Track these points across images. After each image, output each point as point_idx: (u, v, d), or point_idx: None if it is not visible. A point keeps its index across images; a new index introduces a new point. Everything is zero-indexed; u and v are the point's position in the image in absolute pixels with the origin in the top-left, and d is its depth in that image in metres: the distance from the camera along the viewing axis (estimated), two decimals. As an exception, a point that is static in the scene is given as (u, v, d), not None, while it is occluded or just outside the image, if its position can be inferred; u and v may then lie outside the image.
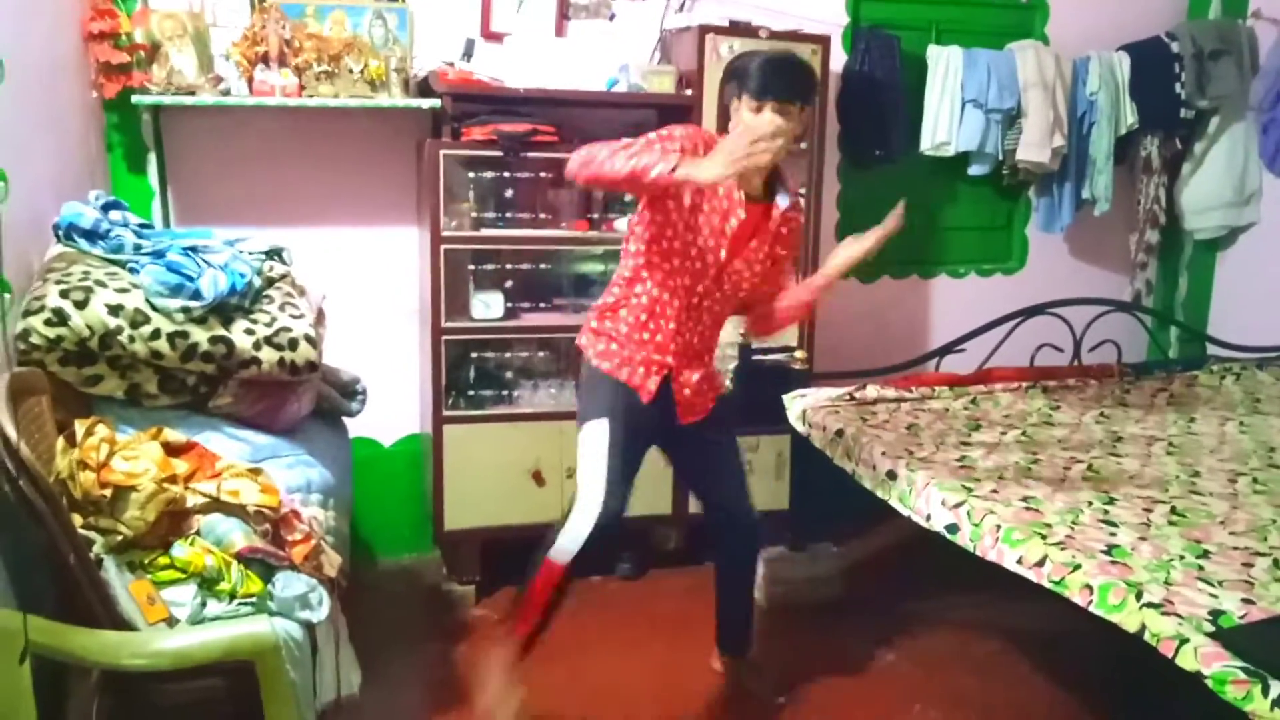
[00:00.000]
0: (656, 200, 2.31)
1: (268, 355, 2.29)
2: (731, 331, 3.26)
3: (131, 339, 2.14)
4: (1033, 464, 2.73)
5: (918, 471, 2.62)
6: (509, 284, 3.26)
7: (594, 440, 2.38)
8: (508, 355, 3.34)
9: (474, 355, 3.30)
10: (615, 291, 2.46)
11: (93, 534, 1.80)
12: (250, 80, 2.94)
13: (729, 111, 2.38)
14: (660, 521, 3.44)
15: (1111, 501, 2.44)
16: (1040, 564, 2.14)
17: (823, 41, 3.36)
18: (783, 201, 2.39)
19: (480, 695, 2.50)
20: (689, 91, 3.23)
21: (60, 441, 1.91)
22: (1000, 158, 3.86)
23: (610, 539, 2.39)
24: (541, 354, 3.38)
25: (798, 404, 3.23)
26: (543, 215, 3.24)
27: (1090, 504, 2.41)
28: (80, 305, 2.10)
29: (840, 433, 2.97)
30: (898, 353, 3.67)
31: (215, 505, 1.95)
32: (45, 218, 2.37)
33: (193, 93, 2.90)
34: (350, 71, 3.00)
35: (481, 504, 3.23)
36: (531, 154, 3.10)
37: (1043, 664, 2.98)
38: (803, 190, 3.45)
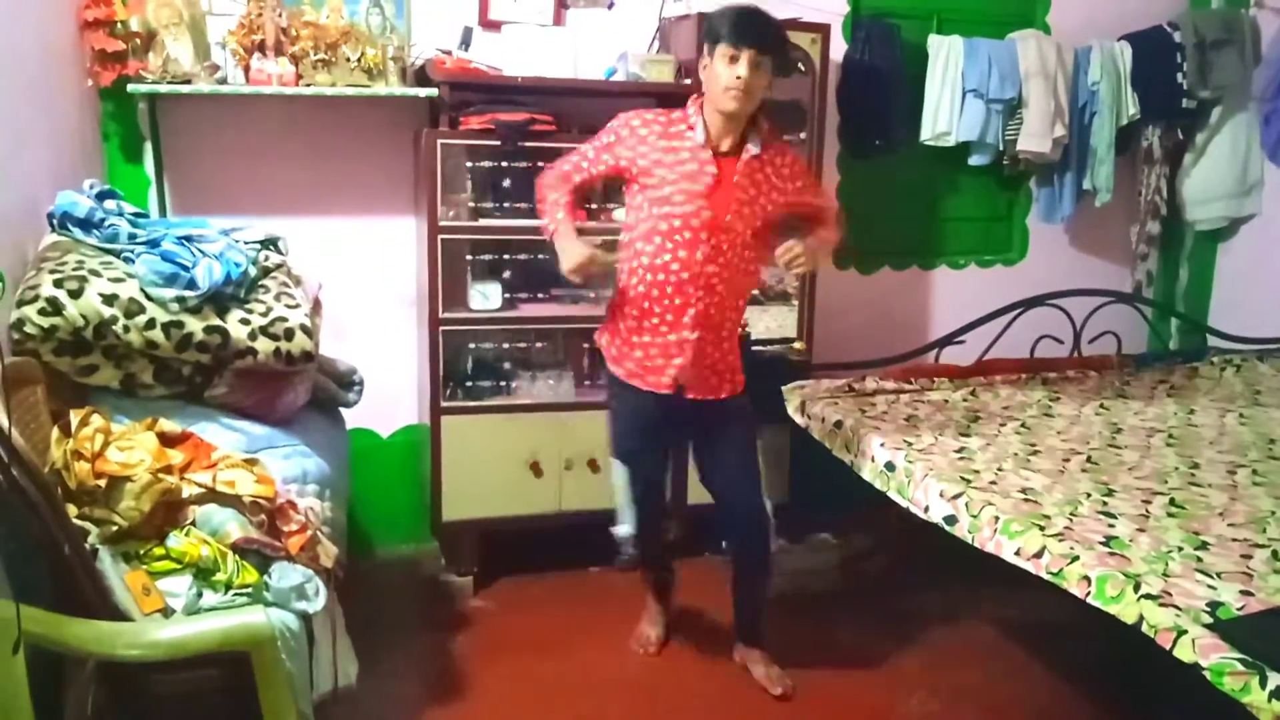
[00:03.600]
0: (627, 186, 2.47)
1: (263, 345, 2.28)
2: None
3: (126, 329, 2.13)
4: (1032, 455, 2.73)
5: (916, 463, 2.62)
6: (507, 274, 3.24)
7: (617, 475, 2.74)
8: (506, 346, 3.33)
9: (472, 346, 3.29)
10: (619, 282, 2.50)
11: (88, 524, 1.79)
12: (246, 69, 2.93)
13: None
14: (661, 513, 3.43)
15: (1110, 493, 2.44)
16: (1039, 555, 2.14)
17: (823, 30, 3.35)
18: (752, 148, 2.39)
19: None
20: (688, 80, 3.21)
21: (55, 432, 1.90)
22: (1001, 148, 3.85)
23: (660, 532, 2.86)
24: (540, 345, 3.37)
25: (797, 395, 3.22)
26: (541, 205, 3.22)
27: (1089, 495, 2.41)
28: (75, 295, 2.09)
29: (839, 424, 2.97)
30: (897, 344, 3.66)
31: (211, 496, 1.94)
32: (40, 206, 2.36)
33: (188, 81, 2.88)
34: (347, 60, 2.98)
35: (479, 495, 3.22)
36: (529, 143, 3.08)
37: (1041, 655, 2.98)
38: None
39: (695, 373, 2.50)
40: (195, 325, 2.20)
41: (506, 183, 3.18)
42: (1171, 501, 2.39)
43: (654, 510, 2.80)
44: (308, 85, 2.95)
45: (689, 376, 2.51)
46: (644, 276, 2.43)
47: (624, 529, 2.76)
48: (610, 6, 3.47)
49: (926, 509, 2.51)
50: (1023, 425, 3.02)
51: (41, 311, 2.06)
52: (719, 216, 2.37)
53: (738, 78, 2.26)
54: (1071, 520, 2.25)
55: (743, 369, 2.64)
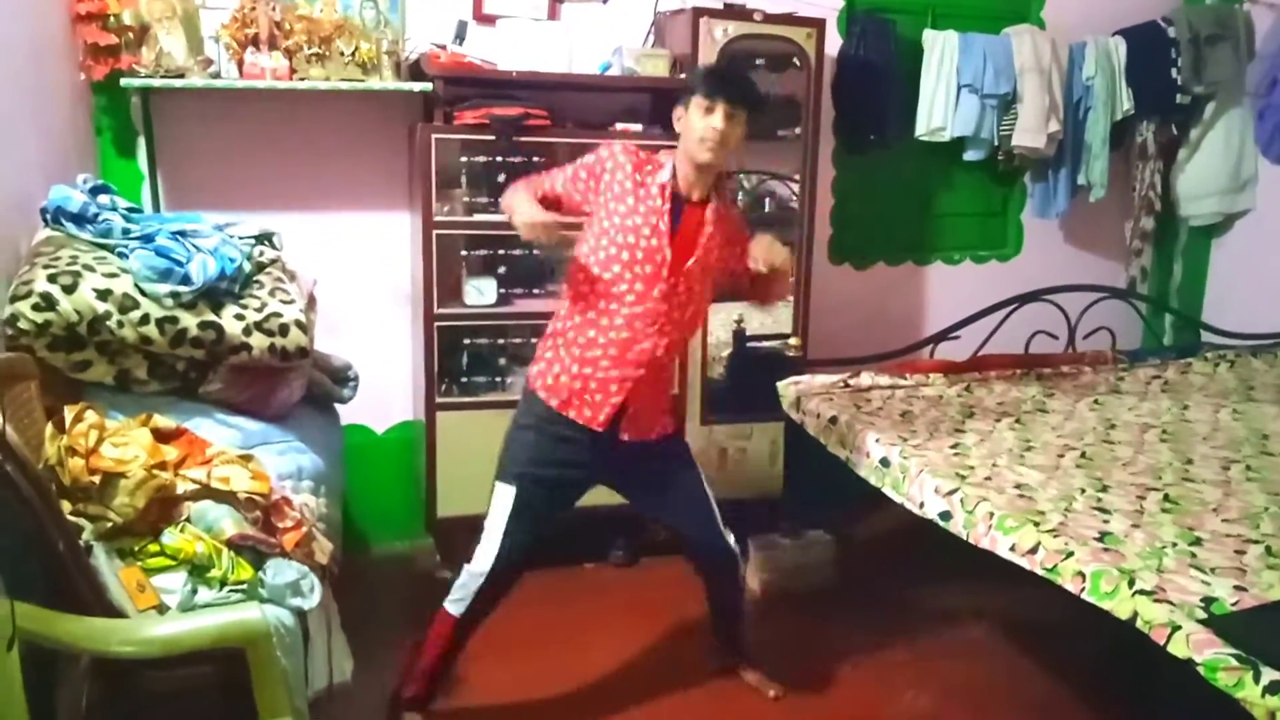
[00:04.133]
0: (598, 205, 2.36)
1: (258, 341, 2.27)
2: (726, 321, 3.27)
3: (120, 324, 2.13)
4: (1026, 451, 2.73)
5: (911, 459, 2.62)
6: (502, 270, 3.24)
7: (498, 505, 2.46)
8: (500, 341, 3.32)
9: (467, 341, 3.28)
10: (562, 312, 2.44)
11: (82, 521, 1.79)
12: (240, 63, 2.92)
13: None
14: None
15: (1105, 489, 2.44)
16: (1033, 551, 2.14)
17: (818, 25, 3.34)
18: (713, 204, 2.37)
19: None
20: (683, 75, 3.21)
21: (49, 428, 1.89)
22: (996, 143, 3.85)
23: (505, 590, 2.50)
24: (534, 340, 3.34)
25: (792, 391, 3.22)
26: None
27: (1083, 491, 2.42)
28: (68, 290, 2.08)
29: (834, 420, 2.97)
30: (892, 340, 3.66)
31: (205, 492, 1.93)
32: (33, 201, 2.35)
33: (182, 75, 2.87)
34: (341, 54, 2.98)
35: (474, 491, 3.18)
36: (524, 138, 3.08)
37: (1036, 651, 2.99)
38: (796, 176, 3.44)
39: (633, 411, 2.40)
40: (190, 321, 2.20)
41: (501, 178, 3.16)
42: (1166, 497, 2.40)
43: (521, 559, 2.48)
44: (301, 80, 2.95)
45: (628, 414, 2.40)
46: (596, 304, 2.35)
47: (479, 564, 2.44)
48: (605, 1, 3.46)
49: (921, 505, 2.52)
50: (1017, 421, 3.02)
51: (35, 307, 2.05)
52: (680, 258, 2.33)
53: (713, 128, 2.25)
54: (1066, 516, 2.25)
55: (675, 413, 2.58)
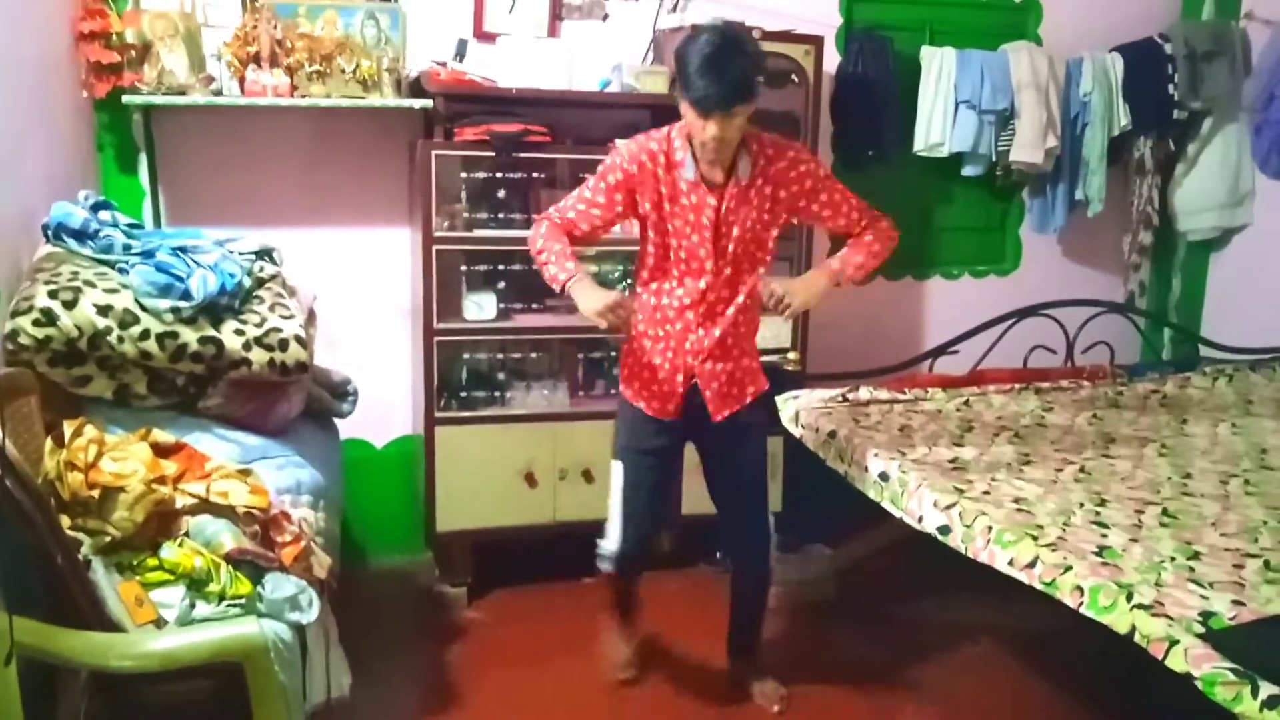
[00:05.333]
0: (637, 217, 2.45)
1: (258, 356, 2.28)
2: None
3: (120, 339, 2.13)
4: (1025, 465, 2.73)
5: (910, 473, 2.62)
6: (501, 285, 3.24)
7: (614, 480, 2.63)
8: (500, 356, 3.33)
9: (466, 356, 3.29)
10: (636, 305, 2.53)
11: (81, 535, 1.79)
12: (242, 80, 2.94)
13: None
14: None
15: (1103, 503, 2.44)
16: (1031, 565, 2.14)
17: (816, 42, 3.37)
18: (742, 175, 2.38)
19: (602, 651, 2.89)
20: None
21: (48, 442, 1.90)
22: (993, 159, 3.86)
23: (643, 554, 2.71)
24: (534, 355, 3.37)
25: (791, 405, 3.23)
26: (535, 216, 3.22)
27: (1082, 505, 2.42)
28: (69, 305, 2.09)
29: (833, 434, 2.97)
30: (891, 354, 3.67)
31: (204, 506, 1.94)
32: (34, 217, 2.36)
33: (184, 93, 2.89)
34: (342, 71, 3.00)
35: (474, 505, 3.22)
36: (524, 154, 3.10)
37: (1034, 664, 2.98)
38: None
39: (712, 393, 2.50)
40: (190, 336, 2.20)
41: (501, 193, 3.19)
42: (1164, 511, 2.40)
43: (648, 523, 2.70)
44: (303, 96, 2.97)
45: (709, 396, 2.50)
46: (650, 302, 2.48)
47: (610, 544, 2.66)
48: (605, 18, 3.48)
49: (920, 519, 2.52)
50: (1016, 435, 3.03)
51: (36, 322, 2.06)
52: (722, 246, 2.39)
53: (711, 138, 2.25)
54: (1064, 530, 2.25)
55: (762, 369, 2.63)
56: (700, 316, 2.45)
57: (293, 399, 2.49)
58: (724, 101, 2.22)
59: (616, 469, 2.61)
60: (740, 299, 2.47)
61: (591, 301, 2.28)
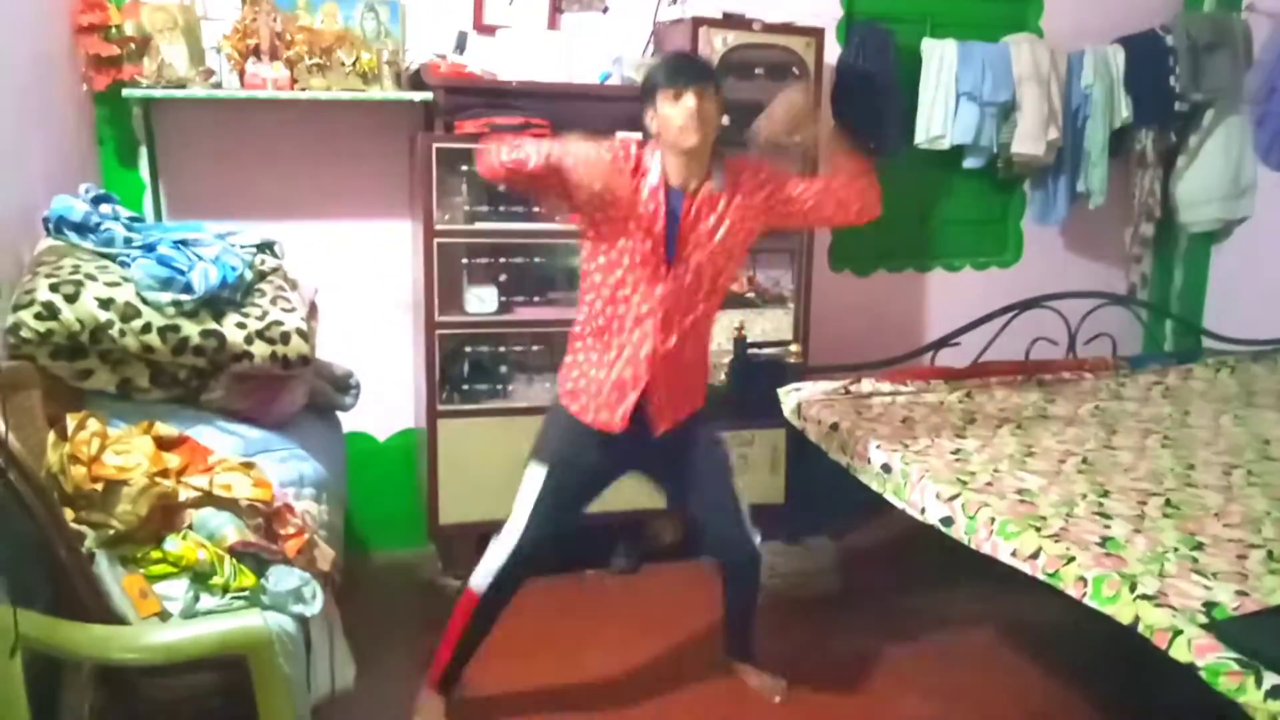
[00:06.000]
0: (584, 220, 2.35)
1: (260, 349, 2.28)
2: (726, 328, 3.27)
3: (122, 333, 2.13)
4: (1028, 457, 2.73)
5: (912, 465, 2.62)
6: (503, 278, 3.24)
7: (529, 483, 2.48)
8: (502, 349, 3.33)
9: (468, 349, 3.29)
10: (579, 316, 2.46)
11: (84, 528, 1.79)
12: (241, 73, 2.93)
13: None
14: (656, 515, 3.43)
15: (1106, 494, 2.44)
16: (1034, 556, 2.14)
17: (817, 34, 3.36)
18: (713, 185, 2.35)
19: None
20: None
21: (51, 435, 1.89)
22: (995, 151, 3.86)
23: (530, 570, 2.54)
24: (535, 348, 3.37)
25: (793, 397, 3.23)
26: (536, 208, 3.23)
27: (1085, 496, 2.42)
28: (71, 299, 2.09)
29: (835, 426, 2.97)
30: (893, 346, 3.67)
31: (207, 499, 1.93)
32: (35, 211, 2.36)
33: (183, 86, 2.89)
34: (342, 64, 2.99)
35: (476, 498, 3.22)
36: (525, 147, 3.08)
37: (1038, 655, 2.99)
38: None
39: (656, 405, 2.42)
40: (191, 329, 2.20)
41: (502, 186, 3.18)
42: (1167, 502, 2.40)
43: (547, 536, 2.50)
44: (303, 90, 2.96)
45: (652, 408, 2.42)
46: (603, 308, 2.38)
47: (497, 556, 2.48)
48: (605, 10, 3.48)
49: (923, 511, 2.52)
50: (1018, 427, 3.03)
51: (38, 316, 2.06)
52: (680, 253, 2.34)
53: (688, 110, 2.24)
54: (1067, 521, 2.25)
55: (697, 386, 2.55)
56: (659, 324, 2.36)
57: (295, 392, 2.49)
58: (695, 74, 2.27)
59: (535, 473, 2.47)
60: (699, 310, 2.41)
61: (596, 157, 2.19)
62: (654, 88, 2.30)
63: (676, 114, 2.26)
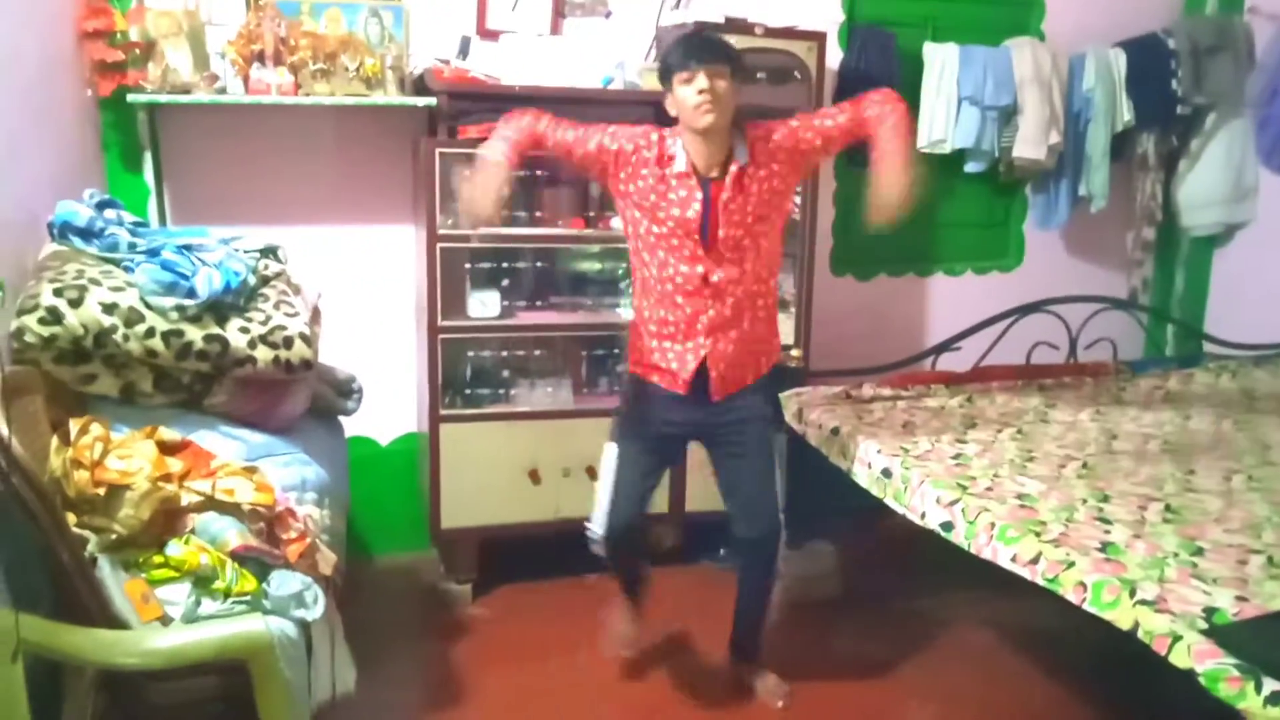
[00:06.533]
0: (615, 200, 2.52)
1: (263, 354, 2.29)
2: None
3: (126, 337, 2.14)
4: (1028, 462, 2.73)
5: (913, 469, 2.62)
6: (505, 282, 3.25)
7: (606, 461, 2.63)
8: (504, 354, 3.34)
9: (471, 354, 3.29)
10: (634, 290, 2.59)
11: (87, 533, 1.80)
12: (246, 78, 2.94)
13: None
14: (657, 520, 3.44)
15: (1106, 499, 2.44)
16: (1034, 561, 2.14)
17: (819, 38, 3.36)
18: (740, 159, 2.41)
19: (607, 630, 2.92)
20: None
21: (54, 440, 1.90)
22: (997, 155, 3.86)
23: (632, 537, 2.67)
24: (538, 352, 3.38)
25: (794, 402, 3.23)
26: (539, 213, 3.24)
27: (1085, 501, 2.42)
28: (75, 304, 2.10)
29: (836, 430, 2.97)
30: (894, 351, 3.67)
31: (210, 504, 1.94)
32: (40, 216, 2.37)
33: (188, 91, 2.89)
34: (346, 69, 3.00)
35: (478, 502, 3.23)
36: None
37: (1038, 660, 2.99)
38: (797, 188, 3.44)
39: (718, 374, 2.52)
40: (195, 334, 2.21)
41: (505, 191, 3.18)
42: (1167, 507, 2.40)
43: (638, 502, 2.65)
44: (307, 95, 2.97)
45: (714, 377, 2.51)
46: (653, 286, 2.50)
47: (597, 527, 2.64)
48: (607, 15, 3.48)
49: (923, 515, 2.52)
50: (1019, 431, 3.03)
51: (41, 320, 2.07)
52: (714, 234, 2.41)
53: (701, 90, 2.29)
54: (1067, 526, 2.25)
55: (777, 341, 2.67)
56: (709, 295, 2.45)
57: (298, 396, 2.50)
58: (707, 53, 2.32)
59: (610, 451, 2.62)
60: (748, 276, 2.48)
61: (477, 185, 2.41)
62: (669, 71, 2.37)
63: (690, 94, 2.32)
